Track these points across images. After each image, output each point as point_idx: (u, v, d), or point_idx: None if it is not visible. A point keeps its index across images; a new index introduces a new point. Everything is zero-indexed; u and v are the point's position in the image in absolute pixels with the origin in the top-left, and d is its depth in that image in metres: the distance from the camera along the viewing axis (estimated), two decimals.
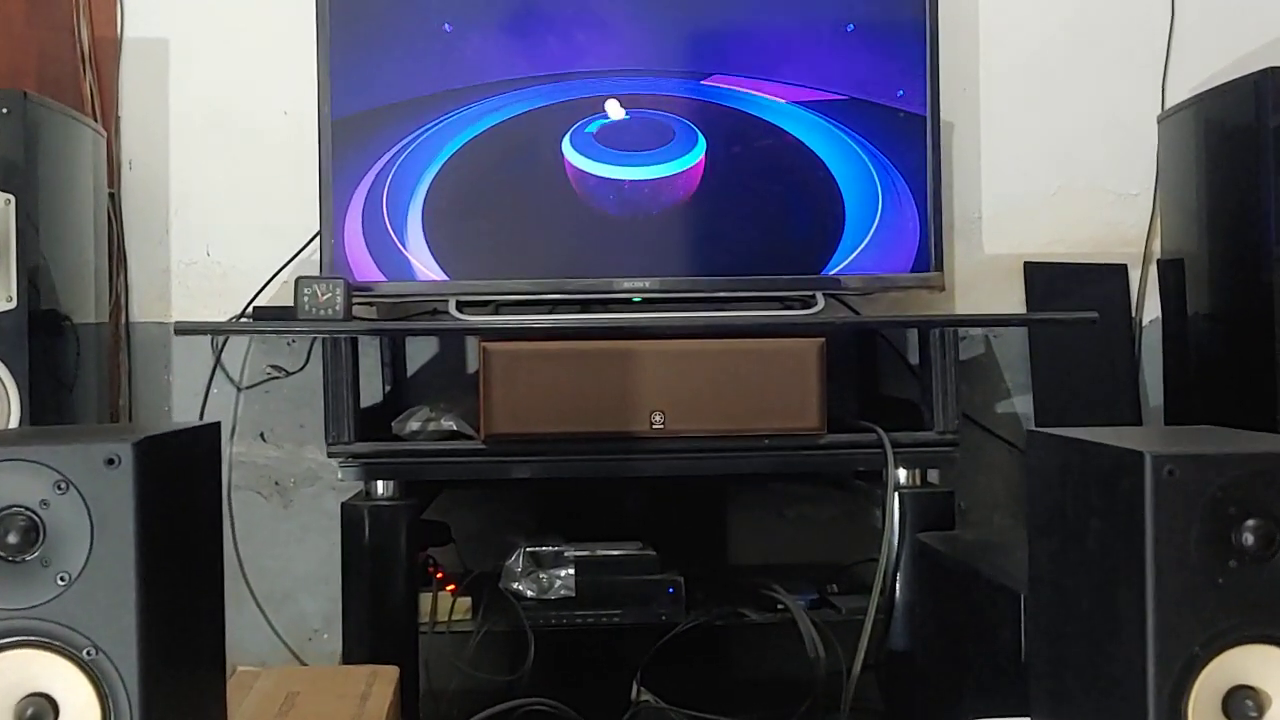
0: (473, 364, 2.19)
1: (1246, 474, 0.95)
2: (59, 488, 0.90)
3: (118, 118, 2.19)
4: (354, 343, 1.82)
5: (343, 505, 1.81)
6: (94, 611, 0.90)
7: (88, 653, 0.90)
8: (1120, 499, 0.97)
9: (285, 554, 2.21)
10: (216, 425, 1.14)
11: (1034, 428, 1.37)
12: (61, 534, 0.91)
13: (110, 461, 0.89)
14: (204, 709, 1.07)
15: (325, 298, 1.87)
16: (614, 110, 2.00)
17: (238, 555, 2.18)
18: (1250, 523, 0.95)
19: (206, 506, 1.11)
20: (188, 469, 1.05)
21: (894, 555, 1.81)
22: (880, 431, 1.83)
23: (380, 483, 1.81)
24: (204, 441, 1.09)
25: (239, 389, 2.20)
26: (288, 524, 2.21)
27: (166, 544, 0.96)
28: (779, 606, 1.87)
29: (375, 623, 1.76)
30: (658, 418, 1.78)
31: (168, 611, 0.96)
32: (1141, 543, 0.94)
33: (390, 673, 1.52)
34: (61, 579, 0.91)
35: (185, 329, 1.83)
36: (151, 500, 0.92)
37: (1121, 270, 2.30)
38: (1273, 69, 1.83)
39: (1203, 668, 0.94)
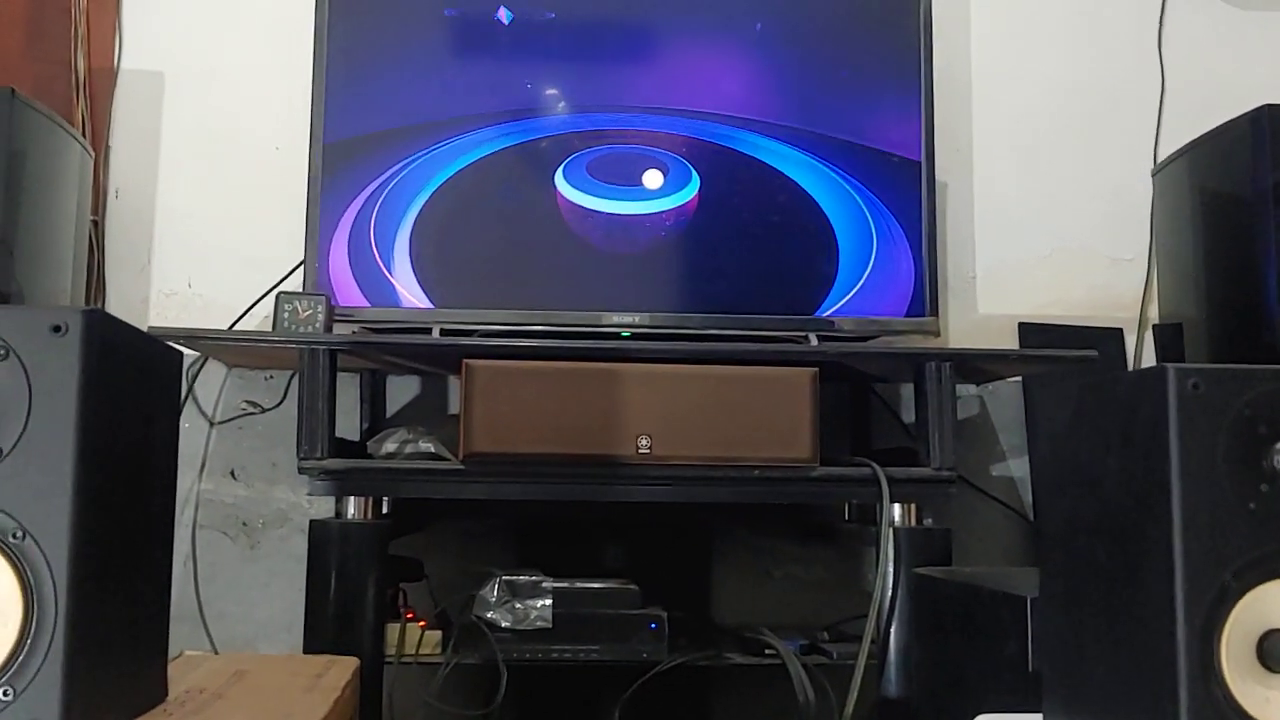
0: (454, 404, 2.12)
1: (1277, 390, 0.88)
2: None
3: (108, 146, 2.17)
4: (333, 359, 1.75)
5: (311, 523, 1.71)
6: (24, 491, 0.81)
7: (14, 535, 0.81)
8: (1142, 425, 0.91)
9: (248, 599, 2.10)
10: (179, 353, 1.07)
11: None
12: None
13: (57, 329, 0.82)
14: (140, 624, 0.96)
15: (306, 314, 1.83)
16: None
17: (199, 598, 2.07)
18: None
19: (160, 428, 1.03)
20: (143, 372, 0.97)
21: (889, 593, 1.72)
22: (875, 465, 1.76)
23: (352, 503, 1.72)
24: (164, 358, 1.02)
25: (212, 424, 2.12)
26: (253, 567, 2.11)
27: (112, 435, 0.88)
28: (767, 650, 1.77)
29: (338, 648, 1.65)
30: (644, 442, 1.71)
31: (107, 507, 0.87)
32: (1166, 465, 0.87)
33: (348, 662, 1.41)
34: None
35: (156, 334, 1.76)
36: (99, 378, 0.84)
37: (1117, 334, 2.26)
38: (1270, 105, 1.80)
39: (1236, 601, 0.86)
